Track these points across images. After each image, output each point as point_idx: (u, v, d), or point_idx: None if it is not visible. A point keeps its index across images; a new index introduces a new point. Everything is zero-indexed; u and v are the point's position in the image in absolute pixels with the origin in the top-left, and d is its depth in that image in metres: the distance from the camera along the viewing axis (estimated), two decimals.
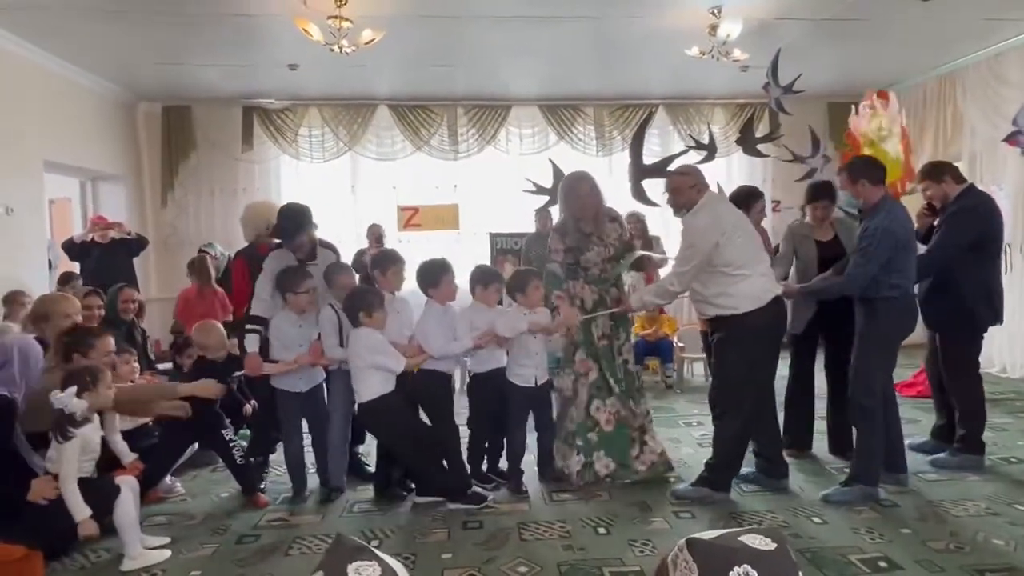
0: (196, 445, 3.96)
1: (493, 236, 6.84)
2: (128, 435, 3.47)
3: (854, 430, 3.67)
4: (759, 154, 4.26)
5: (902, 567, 2.74)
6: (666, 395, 5.98)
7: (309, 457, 3.81)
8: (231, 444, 3.60)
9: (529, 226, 6.74)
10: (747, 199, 4.02)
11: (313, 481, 3.75)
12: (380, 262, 3.77)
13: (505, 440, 3.80)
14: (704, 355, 6.18)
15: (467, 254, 7.47)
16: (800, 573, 0.83)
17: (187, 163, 7.86)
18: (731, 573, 0.79)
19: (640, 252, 4.17)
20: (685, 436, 4.70)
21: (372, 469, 3.84)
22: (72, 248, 6.02)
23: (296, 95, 7.70)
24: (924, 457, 3.99)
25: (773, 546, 0.83)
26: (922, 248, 3.81)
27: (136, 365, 3.98)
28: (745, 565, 0.79)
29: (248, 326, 3.61)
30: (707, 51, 5.66)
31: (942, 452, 4.02)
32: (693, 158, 3.90)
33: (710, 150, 4.00)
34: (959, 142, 6.98)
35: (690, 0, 5.19)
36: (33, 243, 5.86)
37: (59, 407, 2.72)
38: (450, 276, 3.62)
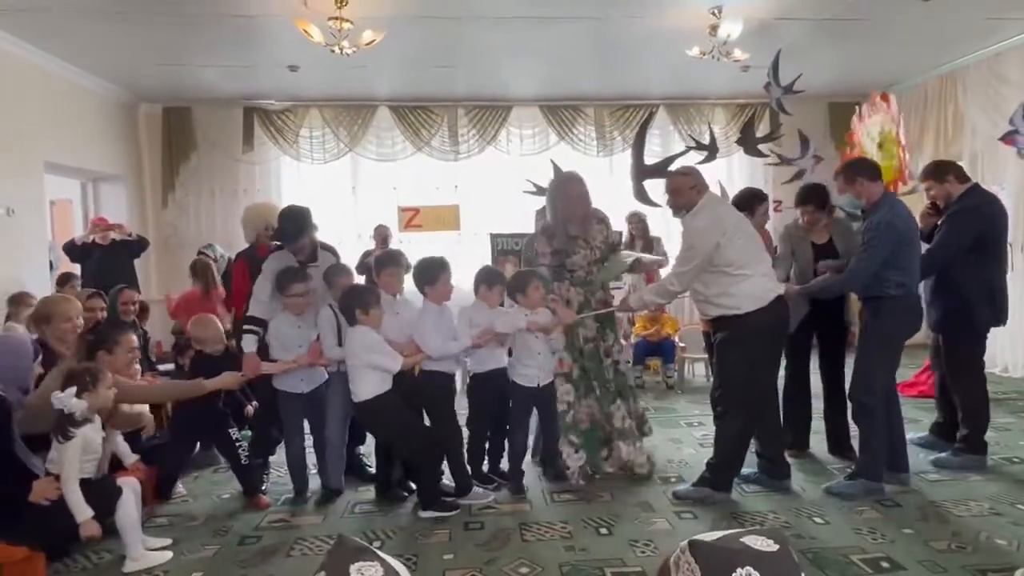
0: (198, 446, 3.97)
1: (494, 237, 6.83)
2: (130, 436, 3.47)
3: (853, 429, 3.67)
4: (760, 154, 4.25)
5: (904, 567, 2.73)
6: (667, 395, 5.98)
7: (311, 458, 3.82)
8: (237, 444, 3.60)
9: (530, 227, 6.72)
10: (751, 201, 4.02)
11: (315, 482, 3.75)
12: (378, 263, 3.79)
13: (506, 440, 3.80)
14: (705, 355, 6.19)
15: (468, 255, 7.47)
16: (802, 574, 0.83)
17: (188, 164, 7.87)
18: (733, 575, 0.79)
19: (630, 254, 4.18)
20: (686, 436, 4.70)
21: (373, 470, 3.84)
22: (73, 250, 6.03)
23: (297, 96, 7.71)
24: (926, 457, 3.99)
25: (775, 547, 0.83)
26: (925, 247, 3.81)
27: (138, 367, 3.98)
28: (748, 567, 0.79)
29: (245, 327, 3.61)
30: (708, 51, 5.66)
31: (940, 449, 4.02)
32: (694, 158, 3.90)
33: (711, 150, 3.99)
34: (960, 142, 6.97)
35: (690, 0, 5.19)
36: (34, 244, 5.87)
37: (59, 407, 2.72)
38: (447, 275, 3.62)
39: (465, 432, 3.78)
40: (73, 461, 2.70)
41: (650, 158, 4.02)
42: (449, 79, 7.21)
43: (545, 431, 3.84)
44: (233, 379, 3.42)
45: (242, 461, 3.59)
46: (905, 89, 7.33)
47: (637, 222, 6.71)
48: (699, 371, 6.65)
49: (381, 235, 6.95)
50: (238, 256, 4.70)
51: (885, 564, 2.77)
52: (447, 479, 3.73)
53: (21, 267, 5.58)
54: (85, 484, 2.75)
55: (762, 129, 7.34)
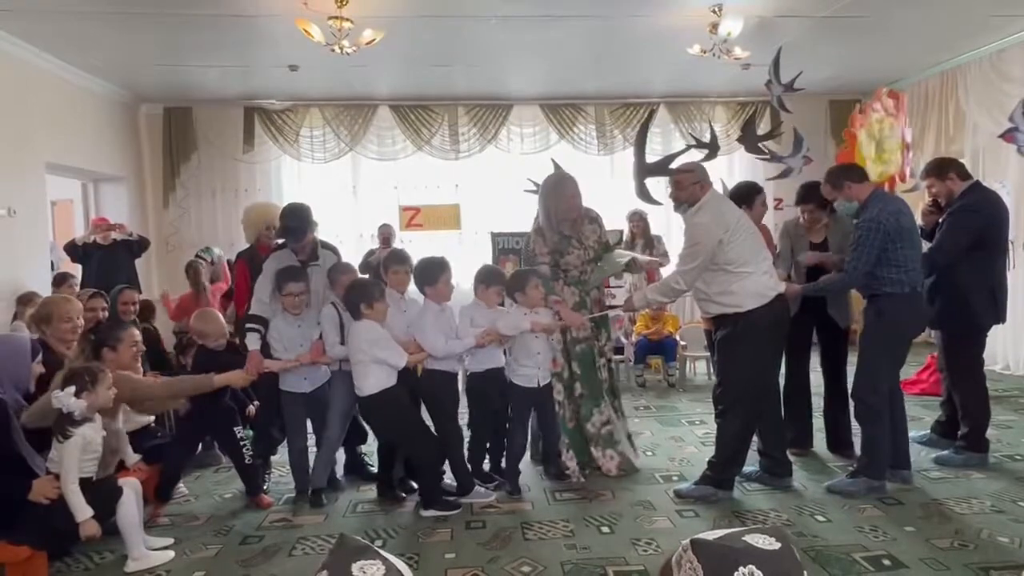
0: (200, 446, 3.97)
1: (495, 236, 6.84)
2: (133, 436, 3.47)
3: (854, 427, 3.66)
4: (761, 152, 4.25)
5: (906, 565, 2.73)
6: (669, 394, 5.98)
7: (313, 458, 3.82)
8: (241, 443, 3.60)
9: (531, 226, 6.72)
10: (748, 194, 4.01)
11: None
12: (386, 262, 3.81)
13: (506, 440, 3.80)
14: (707, 353, 6.18)
15: (469, 254, 7.47)
16: (805, 573, 0.83)
17: (188, 164, 7.88)
18: (736, 574, 0.79)
19: (625, 253, 4.19)
20: (688, 435, 4.70)
21: (375, 469, 3.84)
22: (74, 250, 6.03)
23: (297, 96, 7.71)
24: (928, 455, 3.99)
25: (777, 545, 0.83)
26: (926, 245, 3.80)
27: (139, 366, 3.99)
28: (750, 565, 0.79)
29: (248, 325, 3.62)
30: (708, 49, 5.65)
31: (942, 447, 4.02)
32: (695, 157, 3.89)
33: (711, 148, 3.99)
34: (961, 139, 6.96)
35: None
36: (35, 245, 5.87)
37: (57, 407, 2.73)
38: (447, 275, 3.62)
39: (466, 432, 3.78)
40: (72, 460, 2.70)
41: (651, 156, 4.02)
42: (449, 78, 7.21)
43: (545, 431, 3.84)
44: (241, 376, 3.42)
45: (246, 461, 3.59)
46: (906, 86, 7.32)
47: (638, 221, 6.71)
48: (700, 369, 6.65)
49: (383, 235, 6.96)
50: (239, 256, 4.71)
51: (887, 562, 2.77)
52: (449, 478, 3.73)
53: (22, 268, 5.58)
54: (86, 484, 2.75)
55: (763, 127, 7.34)
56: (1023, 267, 6.20)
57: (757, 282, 3.33)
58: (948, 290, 3.76)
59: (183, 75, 6.78)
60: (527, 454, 3.94)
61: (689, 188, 3.45)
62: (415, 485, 3.63)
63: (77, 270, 6.08)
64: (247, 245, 4.77)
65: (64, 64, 6.22)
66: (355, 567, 0.87)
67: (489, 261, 6.54)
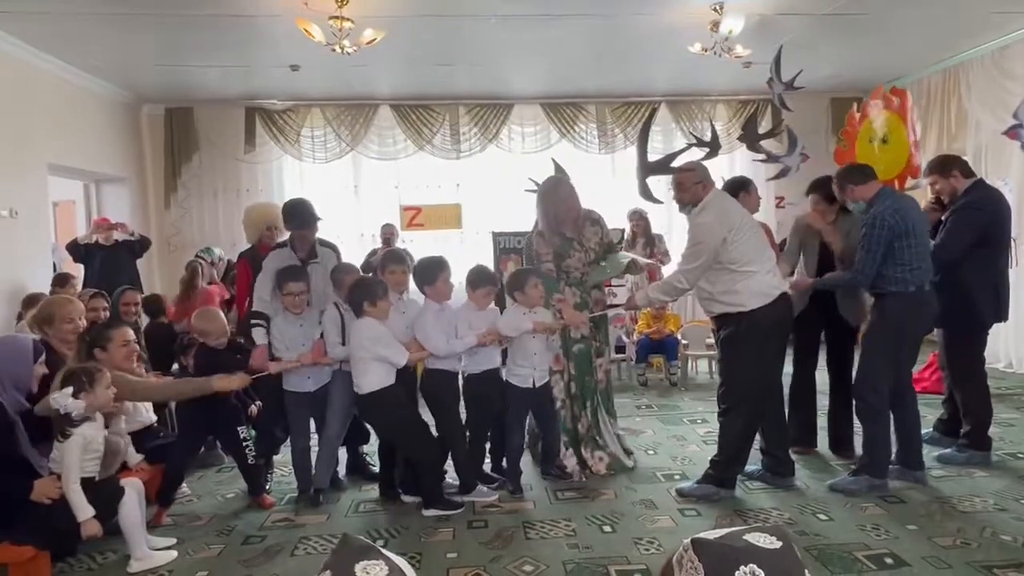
0: (203, 446, 3.97)
1: (496, 235, 6.83)
2: (135, 436, 3.48)
3: (856, 426, 3.65)
4: (761, 150, 4.24)
5: (909, 564, 2.73)
6: (671, 392, 5.97)
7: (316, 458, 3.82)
8: (244, 443, 3.60)
9: (532, 225, 6.72)
10: (737, 190, 3.99)
11: None
12: (382, 262, 3.80)
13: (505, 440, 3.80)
14: (709, 352, 6.18)
15: (471, 254, 7.47)
16: (806, 571, 0.83)
17: (190, 165, 7.88)
18: (737, 573, 0.78)
19: (626, 255, 4.19)
20: (690, 433, 4.69)
21: (377, 469, 3.84)
22: (76, 249, 6.04)
23: (298, 96, 7.71)
24: (930, 453, 3.97)
25: (779, 544, 0.83)
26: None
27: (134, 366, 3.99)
28: (751, 564, 0.79)
29: (252, 321, 3.62)
30: (709, 48, 5.65)
31: (944, 445, 4.01)
32: (696, 155, 3.89)
33: (713, 147, 3.98)
34: (963, 137, 6.94)
35: None
36: (37, 246, 5.88)
37: (56, 407, 2.74)
38: (446, 274, 3.62)
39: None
40: (73, 460, 2.71)
41: (652, 155, 4.01)
42: (450, 77, 7.20)
43: (543, 430, 3.84)
44: (240, 380, 3.42)
45: (249, 461, 3.59)
46: (908, 84, 7.29)
47: (639, 219, 6.71)
48: (702, 368, 6.64)
49: (385, 235, 6.97)
50: (240, 256, 4.71)
51: (889, 560, 2.76)
52: (451, 477, 3.73)
53: (24, 268, 5.59)
54: (88, 484, 2.75)
55: (764, 125, 7.33)
56: None
57: (761, 281, 3.32)
58: (951, 288, 3.74)
59: (184, 75, 6.79)
60: (527, 454, 3.94)
61: (691, 189, 3.44)
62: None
63: (79, 270, 6.09)
64: (248, 245, 4.77)
65: (65, 65, 6.23)
66: (358, 568, 0.86)
67: (491, 261, 6.54)
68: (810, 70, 4.84)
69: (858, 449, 3.78)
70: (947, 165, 3.89)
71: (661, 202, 4.33)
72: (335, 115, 7.95)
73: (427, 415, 3.70)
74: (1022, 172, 6.23)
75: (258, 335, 3.59)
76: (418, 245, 7.45)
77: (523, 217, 7.06)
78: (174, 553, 3.03)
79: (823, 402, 4.18)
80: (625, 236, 6.60)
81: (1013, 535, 2.95)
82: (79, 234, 6.57)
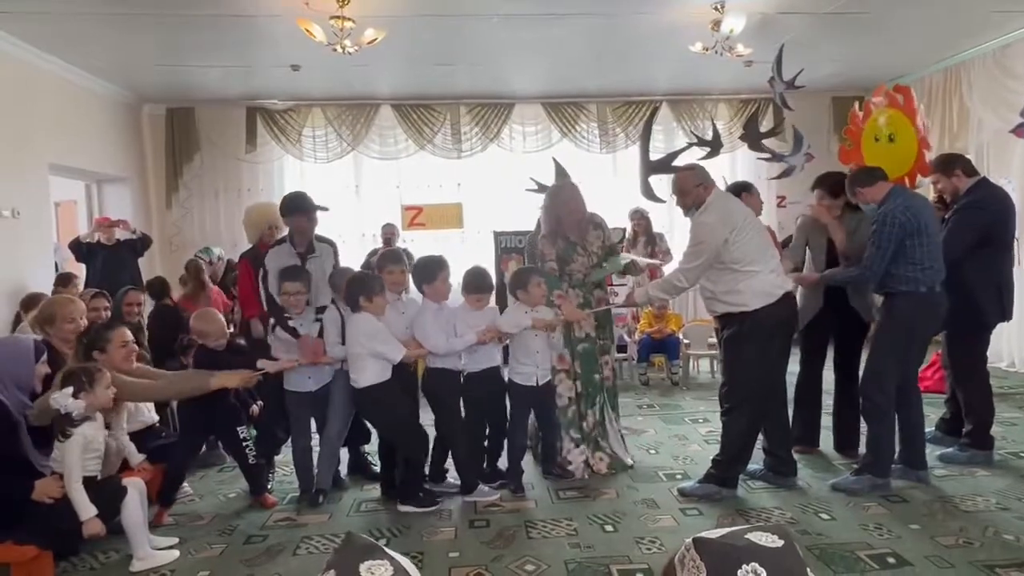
0: (204, 446, 3.97)
1: (497, 235, 6.83)
2: (136, 436, 3.48)
3: (861, 427, 3.65)
4: (763, 149, 4.23)
5: (911, 563, 2.73)
6: (672, 392, 5.97)
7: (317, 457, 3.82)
8: (244, 443, 3.60)
9: (533, 224, 6.72)
10: (739, 192, 3.98)
11: None
12: (379, 262, 3.80)
13: (506, 440, 3.80)
14: (712, 352, 6.18)
15: (472, 253, 7.47)
16: (808, 570, 0.83)
17: (191, 164, 7.88)
18: (739, 572, 0.78)
19: (627, 256, 4.19)
20: (691, 433, 4.69)
21: (378, 468, 3.84)
22: (78, 248, 6.05)
23: (299, 95, 7.71)
24: (932, 453, 3.96)
25: (780, 543, 0.83)
26: None
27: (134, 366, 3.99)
28: (753, 563, 0.79)
29: (283, 315, 3.62)
30: (710, 47, 5.64)
31: (946, 444, 4.00)
32: (697, 154, 3.89)
33: (714, 146, 3.98)
34: (965, 136, 6.93)
35: None
36: (39, 246, 5.89)
37: (56, 407, 2.75)
38: (446, 273, 3.62)
39: None
40: (75, 459, 2.71)
41: (653, 155, 4.01)
42: (451, 77, 7.20)
43: (543, 429, 3.84)
44: (238, 377, 3.42)
45: (250, 461, 3.59)
46: (909, 83, 7.25)
47: (640, 219, 6.71)
48: (704, 367, 6.64)
49: (386, 235, 6.97)
50: (242, 257, 4.71)
51: (892, 560, 2.76)
52: (452, 477, 3.74)
53: (26, 268, 5.59)
54: (89, 483, 2.76)
55: (765, 124, 7.32)
56: None
57: (764, 281, 3.32)
58: (954, 287, 3.72)
59: (185, 75, 6.79)
60: (528, 453, 3.94)
61: (693, 192, 3.44)
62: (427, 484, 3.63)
63: (81, 270, 6.09)
64: (250, 246, 4.77)
65: (66, 65, 6.23)
66: (363, 567, 0.86)
67: (492, 260, 6.54)
68: (811, 69, 4.84)
69: (862, 449, 3.78)
70: (950, 164, 3.87)
71: (663, 201, 4.33)
72: (336, 115, 7.95)
73: (428, 414, 3.71)
74: None
75: (299, 327, 3.60)
76: (419, 245, 7.45)
77: (524, 216, 7.06)
78: (176, 553, 3.04)
79: (828, 401, 4.18)
80: (626, 235, 6.61)
81: (1015, 534, 2.94)
82: (80, 234, 6.58)
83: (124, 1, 4.82)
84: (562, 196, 3.92)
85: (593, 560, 2.85)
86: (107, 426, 3.04)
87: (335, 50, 5.08)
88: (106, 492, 2.81)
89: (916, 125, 3.85)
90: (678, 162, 3.76)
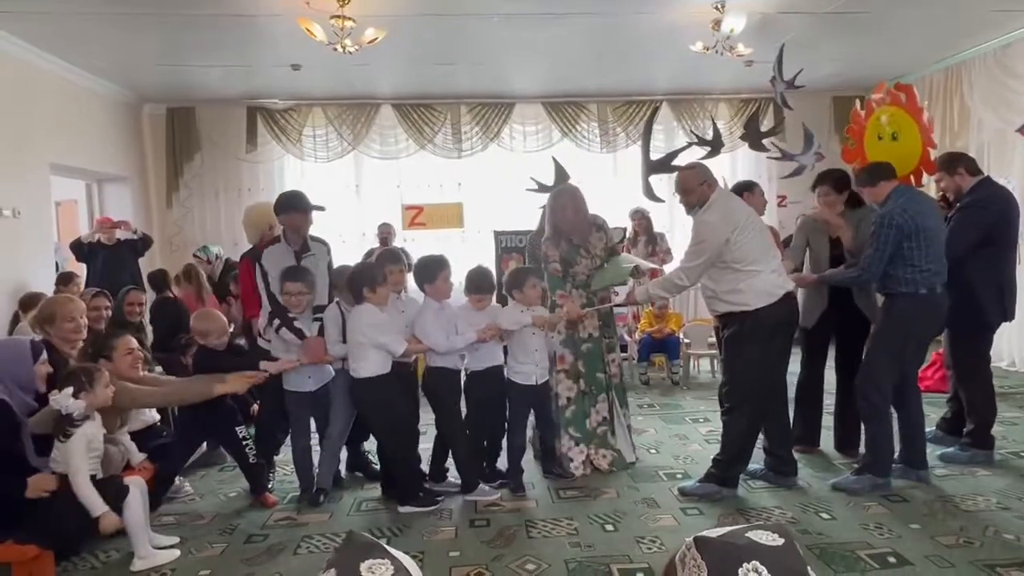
0: (204, 445, 3.96)
1: (498, 235, 6.83)
2: (137, 435, 3.49)
3: (862, 426, 3.65)
4: (764, 149, 4.23)
5: (911, 562, 2.73)
6: (673, 391, 5.97)
7: (317, 457, 3.82)
8: (244, 443, 3.60)
9: (534, 224, 6.72)
10: (742, 192, 3.98)
11: None
12: (377, 261, 3.79)
13: (506, 439, 3.80)
14: (712, 351, 6.18)
15: (472, 253, 7.47)
16: (808, 569, 0.83)
17: (192, 164, 7.88)
18: (740, 570, 0.78)
19: (630, 258, 4.19)
20: (692, 432, 4.69)
21: (378, 467, 3.85)
22: (79, 248, 6.06)
23: (300, 95, 7.71)
24: (933, 452, 3.96)
25: (781, 541, 0.83)
26: None
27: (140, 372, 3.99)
28: (754, 562, 0.79)
29: (288, 316, 3.61)
30: (711, 46, 5.64)
31: (947, 444, 4.00)
32: (698, 153, 3.89)
33: (715, 145, 3.98)
34: (966, 135, 6.93)
35: None
36: (40, 245, 5.89)
37: (56, 408, 2.75)
38: (446, 273, 3.62)
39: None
40: (80, 458, 2.71)
41: (654, 154, 4.01)
42: (452, 76, 7.20)
43: (542, 429, 3.84)
44: (242, 383, 3.42)
45: (250, 460, 3.59)
46: (910, 82, 7.26)
47: (640, 218, 6.71)
48: (704, 367, 6.64)
49: (382, 234, 6.97)
50: (243, 257, 4.71)
51: (892, 559, 2.76)
52: (452, 476, 3.74)
53: (27, 268, 5.60)
54: (91, 483, 2.76)
55: (766, 123, 7.32)
56: None
57: (765, 280, 3.31)
58: (956, 287, 3.72)
59: (185, 75, 6.79)
60: (529, 453, 3.94)
61: (697, 190, 3.44)
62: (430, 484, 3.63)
63: (81, 269, 6.10)
64: (250, 246, 4.77)
65: (67, 65, 6.23)
66: (364, 566, 0.86)
67: (492, 260, 6.54)
68: (812, 69, 4.84)
69: (863, 449, 3.78)
70: (953, 162, 3.86)
71: (663, 200, 4.32)
72: (337, 114, 7.95)
73: (429, 414, 3.71)
74: None
75: (303, 326, 3.58)
76: (420, 244, 7.45)
77: (525, 216, 7.07)
78: (177, 552, 3.04)
79: (829, 401, 4.17)
80: (627, 235, 6.61)
81: (1016, 534, 2.94)
82: (81, 233, 6.58)
83: (125, 1, 4.82)
84: (562, 200, 3.93)
85: (593, 559, 2.85)
86: (107, 431, 3.04)
87: (336, 49, 5.08)
88: (108, 491, 2.80)
89: (922, 122, 3.84)
90: (679, 161, 3.76)
